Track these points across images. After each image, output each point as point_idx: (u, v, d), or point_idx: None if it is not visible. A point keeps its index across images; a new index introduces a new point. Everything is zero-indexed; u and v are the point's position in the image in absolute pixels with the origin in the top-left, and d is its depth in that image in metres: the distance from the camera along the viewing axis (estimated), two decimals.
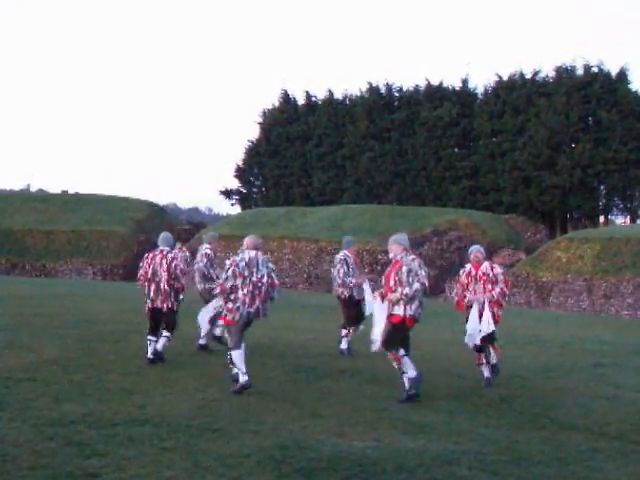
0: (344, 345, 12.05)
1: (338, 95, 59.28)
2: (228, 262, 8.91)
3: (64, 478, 5.29)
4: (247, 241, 9.15)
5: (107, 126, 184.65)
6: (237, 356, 8.71)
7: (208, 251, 12.40)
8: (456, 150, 53.22)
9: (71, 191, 58.19)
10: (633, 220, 50.47)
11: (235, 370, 8.81)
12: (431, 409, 8.29)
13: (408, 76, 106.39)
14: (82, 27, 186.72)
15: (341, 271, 11.99)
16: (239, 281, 8.69)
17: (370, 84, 57.38)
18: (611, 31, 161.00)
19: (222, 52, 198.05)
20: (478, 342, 9.81)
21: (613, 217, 53.56)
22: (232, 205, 64.44)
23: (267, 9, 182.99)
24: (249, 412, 7.62)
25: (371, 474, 5.72)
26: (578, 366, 12.23)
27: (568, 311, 30.42)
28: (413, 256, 8.92)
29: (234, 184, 62.89)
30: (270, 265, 9.02)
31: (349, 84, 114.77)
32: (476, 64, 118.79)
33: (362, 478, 5.63)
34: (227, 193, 62.16)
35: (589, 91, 48.05)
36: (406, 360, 8.58)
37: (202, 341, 11.85)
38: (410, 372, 8.56)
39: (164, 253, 10.60)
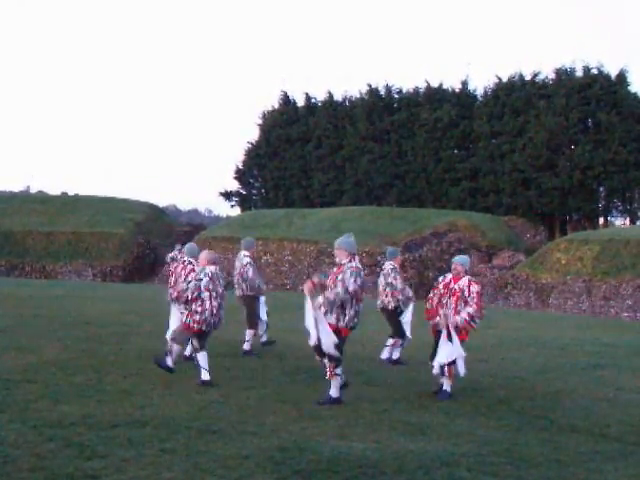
0: (385, 355, 11.99)
1: (338, 97, 59.34)
2: (191, 276, 9.83)
3: None
4: (204, 257, 9.87)
5: (107, 128, 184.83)
6: (202, 357, 9.32)
7: (249, 259, 12.32)
8: (456, 152, 53.26)
9: (71, 193, 58.33)
10: (633, 222, 50.47)
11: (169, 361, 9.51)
12: (430, 411, 8.29)
13: (408, 78, 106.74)
14: (82, 28, 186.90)
15: (398, 279, 11.86)
16: (205, 294, 9.37)
17: (370, 86, 57.42)
18: (611, 33, 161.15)
19: (222, 54, 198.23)
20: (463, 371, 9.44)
21: (613, 219, 53.62)
22: (232, 207, 64.47)
23: (267, 10, 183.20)
24: (248, 414, 7.62)
25: (371, 476, 5.72)
26: (578, 367, 12.23)
27: (568, 313, 30.41)
28: (353, 264, 8.47)
29: (234, 186, 62.94)
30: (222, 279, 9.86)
31: (349, 86, 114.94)
32: (476, 66, 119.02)
33: None
34: (227, 195, 62.16)
35: (589, 93, 48.07)
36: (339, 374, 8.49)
37: (247, 346, 12.10)
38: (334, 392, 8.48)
39: (184, 264, 11.23)
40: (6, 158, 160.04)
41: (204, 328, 9.39)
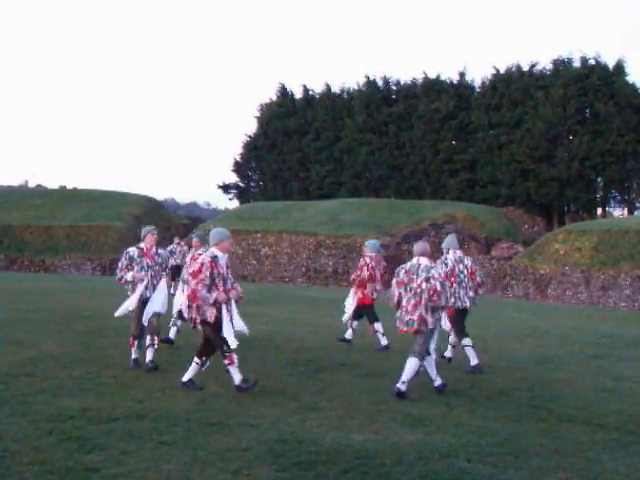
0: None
1: (336, 89, 59.32)
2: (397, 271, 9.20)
3: (63, 473, 5.28)
4: (415, 248, 9.01)
5: (105, 122, 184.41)
6: (415, 366, 8.53)
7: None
8: (454, 143, 53.23)
9: (69, 187, 58.15)
10: (631, 212, 50.50)
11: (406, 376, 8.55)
12: (430, 402, 8.30)
13: (405, 69, 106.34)
14: (80, 23, 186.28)
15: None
16: (401, 289, 8.73)
17: (367, 77, 57.36)
18: (608, 23, 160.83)
19: (220, 47, 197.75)
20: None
21: (611, 209, 53.63)
22: (230, 199, 64.59)
23: (265, 3, 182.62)
24: (247, 406, 7.62)
25: (370, 467, 5.73)
26: (576, 358, 12.25)
27: (566, 303, 30.46)
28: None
29: (232, 178, 63.00)
30: (433, 271, 8.68)
31: (346, 78, 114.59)
32: (473, 57, 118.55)
33: (361, 471, 5.63)
34: (225, 187, 62.16)
35: (586, 83, 48.02)
36: None
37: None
38: None
39: None
40: (4, 152, 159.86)
41: (401, 328, 8.82)
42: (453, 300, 10.13)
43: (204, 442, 6.19)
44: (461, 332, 10.45)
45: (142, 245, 10.15)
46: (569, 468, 6.00)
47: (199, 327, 8.45)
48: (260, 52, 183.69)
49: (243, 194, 61.80)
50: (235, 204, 61.50)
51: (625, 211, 51.67)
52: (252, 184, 62.77)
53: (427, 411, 7.79)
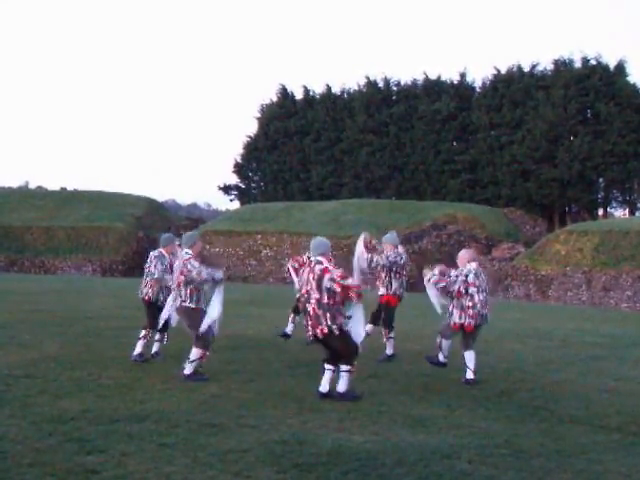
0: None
1: (336, 89, 59.38)
2: (454, 274, 9.86)
3: (64, 474, 5.27)
4: (466, 256, 10.03)
5: (106, 123, 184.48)
6: (469, 356, 9.67)
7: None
8: (454, 144, 53.28)
9: (70, 188, 58.24)
10: (632, 212, 50.52)
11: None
12: (431, 403, 8.29)
13: (406, 70, 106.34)
14: (80, 24, 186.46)
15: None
16: (473, 289, 9.62)
17: (368, 78, 57.41)
18: (609, 24, 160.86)
19: (220, 47, 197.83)
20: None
21: (612, 210, 53.67)
22: (231, 201, 64.67)
23: (265, 4, 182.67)
24: (248, 407, 7.61)
25: (371, 468, 5.72)
26: (578, 359, 12.24)
27: (567, 304, 30.44)
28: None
29: (233, 180, 63.06)
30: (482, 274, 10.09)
31: (347, 78, 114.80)
32: (474, 57, 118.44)
33: (362, 472, 5.62)
34: (226, 189, 62.21)
35: (587, 84, 48.05)
36: None
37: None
38: None
39: (312, 265, 8.50)
40: (5, 153, 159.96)
41: (477, 322, 9.68)
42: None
43: (205, 444, 6.18)
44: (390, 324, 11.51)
45: (190, 252, 9.43)
46: (570, 469, 5.99)
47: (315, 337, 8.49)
48: (261, 53, 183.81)
49: (244, 195, 61.84)
50: (236, 205, 61.62)
51: (626, 211, 51.69)
52: (253, 185, 62.81)
53: (428, 412, 7.78)
